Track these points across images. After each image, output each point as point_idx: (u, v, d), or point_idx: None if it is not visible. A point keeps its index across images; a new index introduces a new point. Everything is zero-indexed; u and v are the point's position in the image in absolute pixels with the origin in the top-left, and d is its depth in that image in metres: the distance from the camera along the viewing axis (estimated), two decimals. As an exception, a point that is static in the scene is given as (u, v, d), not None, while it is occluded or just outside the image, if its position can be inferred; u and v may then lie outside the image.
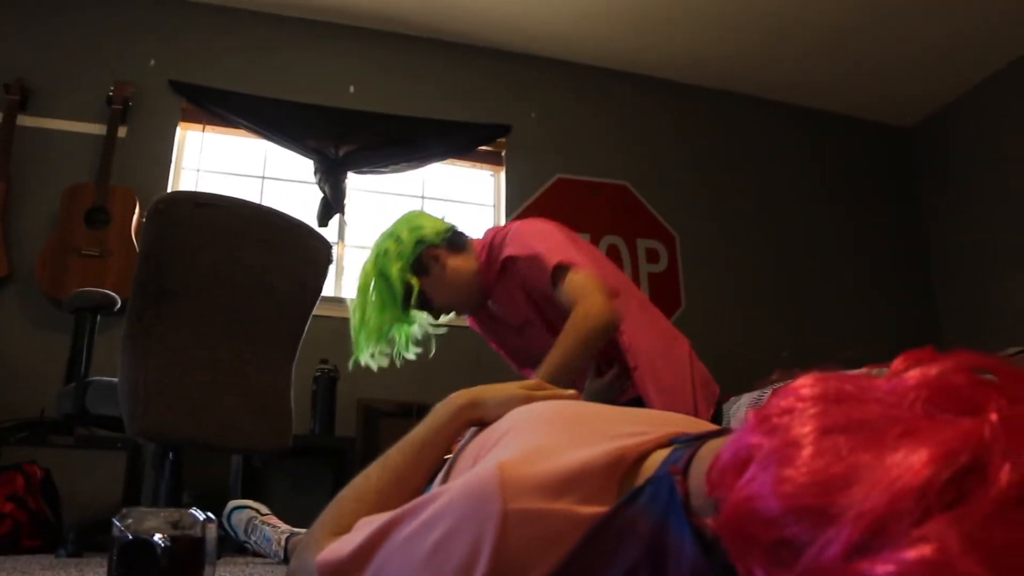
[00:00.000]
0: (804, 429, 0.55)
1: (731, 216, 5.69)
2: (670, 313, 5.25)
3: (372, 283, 2.43)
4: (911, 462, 0.47)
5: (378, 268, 2.44)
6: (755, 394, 3.45)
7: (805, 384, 0.60)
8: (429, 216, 2.59)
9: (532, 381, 1.35)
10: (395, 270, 2.41)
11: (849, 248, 5.91)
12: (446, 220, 2.60)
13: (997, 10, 4.89)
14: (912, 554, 0.44)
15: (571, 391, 1.36)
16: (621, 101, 5.66)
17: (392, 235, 2.48)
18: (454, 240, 2.53)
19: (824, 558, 0.47)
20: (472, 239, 2.60)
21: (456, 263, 2.50)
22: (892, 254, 6.01)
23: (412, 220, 2.54)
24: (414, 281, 2.42)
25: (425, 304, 2.50)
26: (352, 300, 2.48)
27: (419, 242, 2.48)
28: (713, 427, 0.94)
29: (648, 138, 5.67)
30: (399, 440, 1.26)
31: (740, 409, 3.38)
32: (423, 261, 2.46)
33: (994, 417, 0.48)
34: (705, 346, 5.17)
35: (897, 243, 6.05)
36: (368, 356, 2.46)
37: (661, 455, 0.87)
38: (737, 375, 4.53)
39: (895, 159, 6.26)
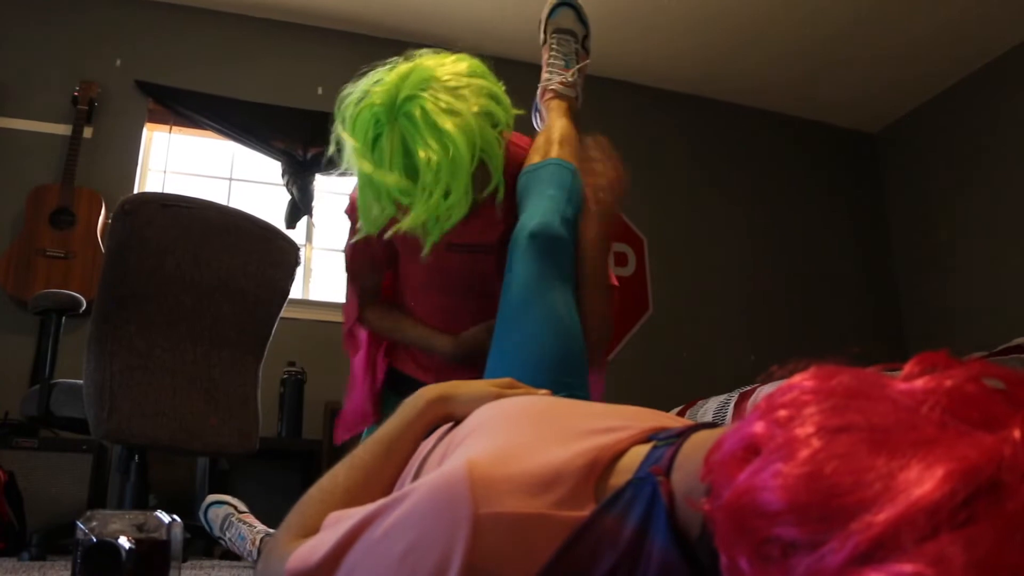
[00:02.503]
0: (814, 425, 0.53)
1: (699, 220, 5.73)
2: (638, 318, 5.28)
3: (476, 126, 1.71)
4: (926, 476, 0.45)
5: (480, 120, 1.73)
6: (722, 398, 3.47)
7: (814, 377, 0.58)
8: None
9: (504, 379, 1.31)
10: (495, 139, 1.79)
11: (815, 252, 5.97)
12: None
13: (959, 19, 4.95)
14: (910, 568, 0.43)
15: (544, 390, 1.33)
16: (589, 105, 5.64)
17: (491, 92, 1.86)
18: None
19: (824, 564, 0.46)
20: None
21: None
22: (857, 257, 6.07)
23: (492, 80, 1.93)
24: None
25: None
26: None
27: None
28: (688, 422, 0.92)
29: (616, 142, 5.65)
30: (367, 438, 1.23)
31: (707, 414, 3.40)
32: None
33: (1017, 435, 0.47)
34: (672, 350, 5.23)
35: (862, 247, 6.11)
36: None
37: (640, 452, 0.85)
38: (704, 379, 4.57)
39: (859, 164, 6.32)
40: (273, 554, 1.03)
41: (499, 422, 1.03)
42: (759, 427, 0.57)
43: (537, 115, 2.40)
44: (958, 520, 0.43)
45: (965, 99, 5.57)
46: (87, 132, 4.44)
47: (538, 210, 1.86)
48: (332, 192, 5.05)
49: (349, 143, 1.77)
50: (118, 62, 4.72)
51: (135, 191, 4.51)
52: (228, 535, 2.47)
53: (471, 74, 1.80)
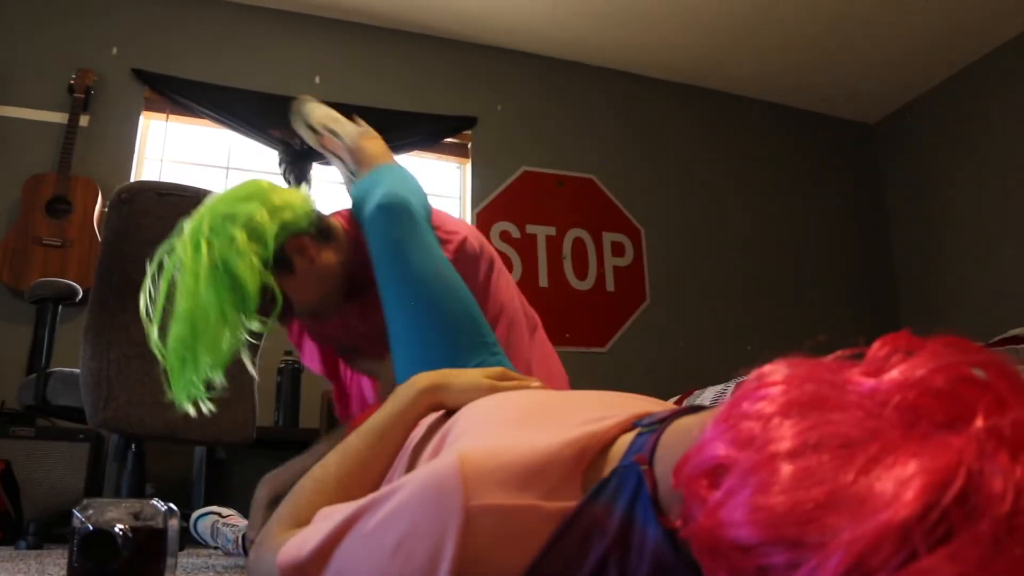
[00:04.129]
0: (780, 446, 0.52)
1: (696, 210, 5.73)
2: (635, 307, 5.28)
3: (204, 282, 1.69)
4: (898, 492, 0.45)
5: (220, 262, 1.70)
6: (719, 387, 3.47)
7: (776, 382, 0.57)
8: (281, 189, 1.88)
9: (497, 369, 1.31)
10: (246, 267, 1.70)
11: (812, 241, 5.97)
12: (303, 191, 1.94)
13: (958, 11, 4.94)
14: None
15: (537, 382, 1.33)
16: (588, 94, 5.67)
17: (239, 218, 1.75)
18: (323, 225, 1.93)
19: None
20: (333, 220, 2.01)
21: (328, 257, 1.92)
22: (855, 247, 6.08)
23: (266, 196, 1.82)
24: (273, 282, 1.77)
25: (284, 311, 1.85)
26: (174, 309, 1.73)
27: (283, 228, 1.81)
28: (673, 407, 0.92)
29: (615, 132, 5.68)
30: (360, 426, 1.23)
31: (704, 403, 3.40)
32: (287, 254, 1.83)
33: (979, 425, 0.46)
34: (669, 340, 5.23)
35: (860, 236, 6.11)
36: (195, 390, 1.76)
37: (626, 440, 0.85)
38: (701, 368, 4.57)
39: (858, 154, 6.32)
40: (264, 544, 1.03)
41: (491, 416, 1.04)
42: (722, 448, 0.56)
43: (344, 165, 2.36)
44: (936, 536, 0.43)
45: (964, 90, 5.57)
46: (83, 120, 4.42)
47: (375, 195, 1.84)
48: (329, 181, 5.04)
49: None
50: (114, 50, 4.70)
51: (131, 180, 4.50)
52: (219, 542, 2.48)
53: (242, 198, 1.82)
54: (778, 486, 0.50)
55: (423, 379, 1.25)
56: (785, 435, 0.52)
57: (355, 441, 1.19)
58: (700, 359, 5.17)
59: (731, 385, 3.35)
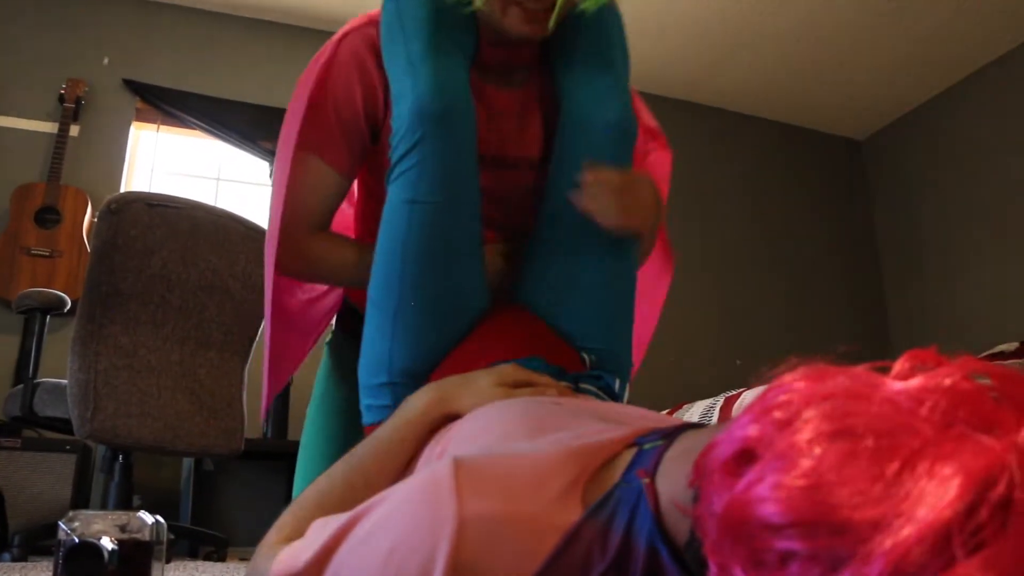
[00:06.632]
0: (813, 430, 0.50)
1: (684, 225, 5.73)
2: (625, 320, 5.28)
3: None
4: (938, 491, 0.44)
5: None
6: (708, 402, 3.47)
7: (806, 377, 0.56)
8: None
9: (511, 375, 1.21)
10: None
11: (800, 256, 5.98)
12: None
13: (947, 28, 4.97)
14: None
15: (552, 388, 1.23)
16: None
17: None
18: None
19: None
20: None
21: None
22: (844, 262, 6.09)
23: None
24: None
25: None
26: None
27: None
28: (676, 422, 0.89)
29: (605, 146, 5.68)
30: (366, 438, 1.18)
31: (692, 418, 3.40)
32: None
33: (1022, 439, 0.45)
34: (657, 352, 5.21)
35: (848, 252, 6.12)
36: None
37: (629, 455, 0.83)
38: (690, 383, 4.57)
39: (846, 170, 6.34)
40: (261, 553, 1.00)
41: (492, 424, 1.01)
42: (753, 430, 0.54)
43: None
44: (974, 541, 0.42)
45: (953, 107, 5.60)
46: (73, 130, 4.41)
47: (611, 93, 1.52)
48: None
49: None
50: (106, 60, 4.69)
51: (121, 190, 4.49)
52: None
53: None
54: (811, 469, 0.48)
55: (432, 390, 1.19)
56: (818, 421, 0.51)
57: (362, 452, 1.14)
58: (689, 374, 5.17)
59: (720, 400, 3.36)
